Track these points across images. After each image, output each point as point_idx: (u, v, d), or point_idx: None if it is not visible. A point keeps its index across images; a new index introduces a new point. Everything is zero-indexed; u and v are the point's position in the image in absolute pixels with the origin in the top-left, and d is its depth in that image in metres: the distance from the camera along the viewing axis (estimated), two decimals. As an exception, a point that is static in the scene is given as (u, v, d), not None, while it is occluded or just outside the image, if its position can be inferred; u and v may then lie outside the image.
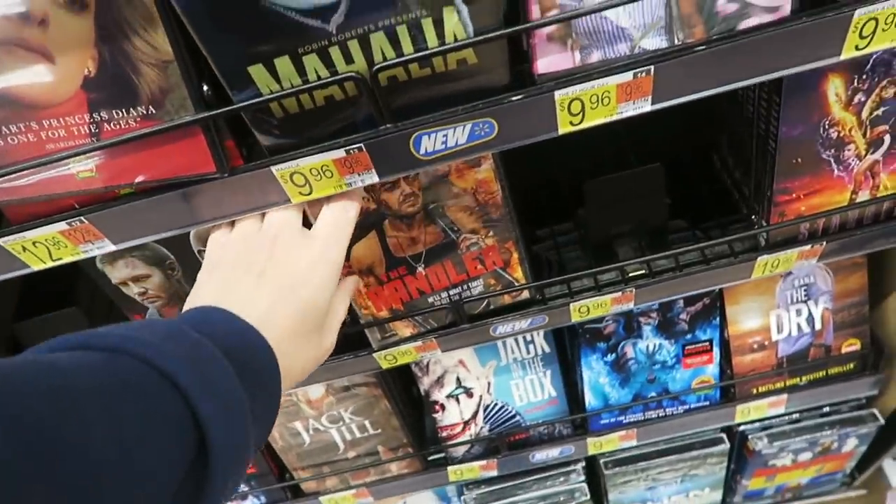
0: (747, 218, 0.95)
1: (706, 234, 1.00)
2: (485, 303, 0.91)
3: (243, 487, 1.23)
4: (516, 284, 0.89)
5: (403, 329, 0.91)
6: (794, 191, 0.85)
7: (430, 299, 0.89)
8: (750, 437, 1.25)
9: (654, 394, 1.18)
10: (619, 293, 0.93)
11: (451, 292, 0.88)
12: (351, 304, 0.91)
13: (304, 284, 0.61)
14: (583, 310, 0.94)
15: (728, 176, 0.99)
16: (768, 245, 0.91)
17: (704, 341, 1.14)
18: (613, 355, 1.14)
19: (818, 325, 1.13)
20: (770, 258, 0.91)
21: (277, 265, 0.61)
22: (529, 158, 0.87)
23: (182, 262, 0.83)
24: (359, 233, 0.77)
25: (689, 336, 1.13)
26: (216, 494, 0.45)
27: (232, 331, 0.53)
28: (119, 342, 0.44)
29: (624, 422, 1.21)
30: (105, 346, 0.44)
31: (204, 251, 0.81)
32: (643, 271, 0.95)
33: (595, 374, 1.15)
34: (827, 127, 0.79)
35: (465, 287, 0.88)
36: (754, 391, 1.18)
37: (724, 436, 1.27)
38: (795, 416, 1.26)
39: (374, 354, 0.95)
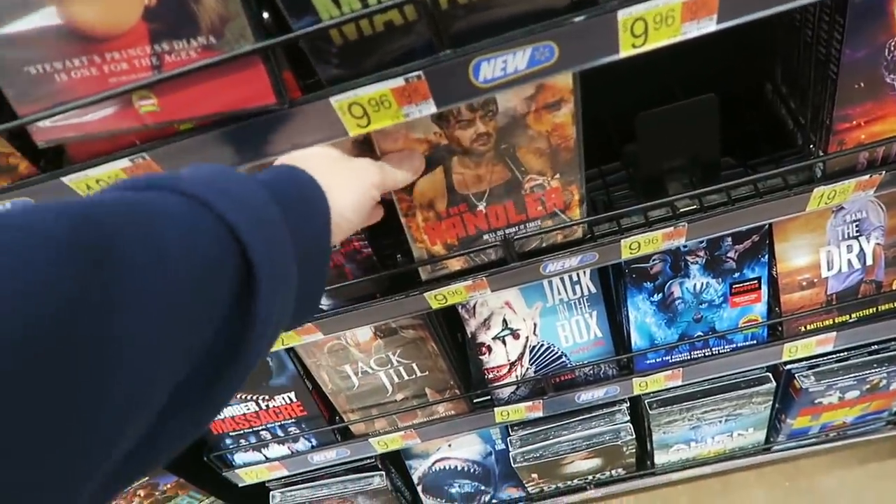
0: (802, 150, 0.93)
1: (757, 171, 0.98)
2: (536, 242, 0.91)
3: (293, 430, 1.26)
4: (571, 223, 0.89)
5: (454, 263, 0.93)
6: (855, 118, 0.83)
7: (486, 237, 0.89)
8: (796, 375, 1.25)
9: (700, 333, 1.17)
10: (671, 228, 0.92)
11: (508, 231, 0.89)
12: (405, 241, 0.92)
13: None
14: (633, 246, 0.94)
15: (783, 106, 0.97)
16: (825, 176, 0.89)
17: (752, 279, 1.13)
18: (660, 295, 1.13)
19: (869, 261, 1.11)
20: (826, 189, 0.89)
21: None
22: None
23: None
24: (426, 166, 0.79)
25: (736, 274, 1.12)
26: (261, 327, 0.43)
27: (280, 170, 0.56)
28: (177, 184, 0.44)
29: (670, 361, 1.21)
30: (173, 189, 0.43)
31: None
32: (694, 206, 0.94)
33: (641, 314, 1.14)
34: (893, 49, 0.76)
35: (521, 227, 0.89)
36: (802, 329, 1.17)
37: (769, 375, 1.27)
38: (843, 354, 1.25)
39: (425, 294, 0.96)
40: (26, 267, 0.30)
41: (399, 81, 0.62)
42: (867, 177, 0.88)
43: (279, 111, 0.63)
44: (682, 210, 0.94)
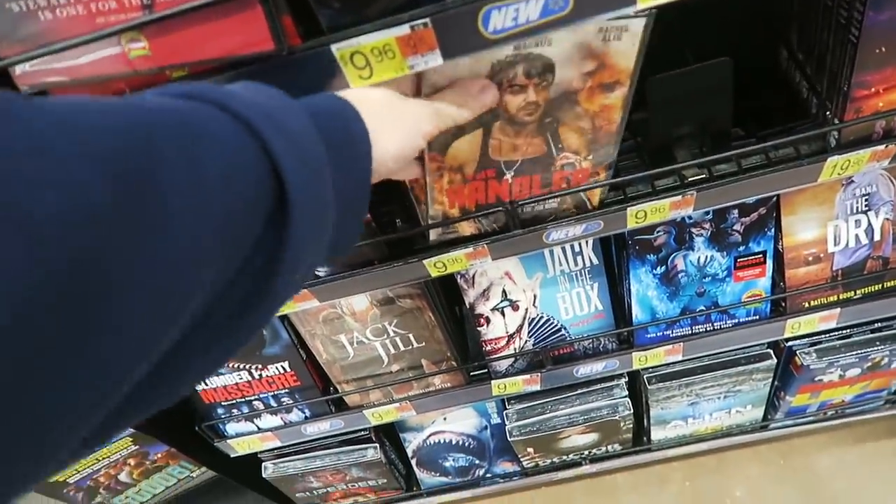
0: (816, 118, 0.90)
1: (768, 141, 0.96)
2: (540, 210, 0.88)
3: (287, 400, 1.23)
4: (588, 206, 0.89)
5: (465, 227, 0.90)
6: (874, 84, 0.80)
7: (505, 206, 0.87)
8: (798, 352, 1.23)
9: (702, 307, 1.15)
10: (679, 197, 0.89)
11: (526, 206, 0.87)
12: (406, 207, 0.89)
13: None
14: (640, 215, 0.91)
15: (798, 73, 0.94)
16: (839, 146, 0.87)
17: (758, 253, 1.10)
18: (663, 268, 1.11)
19: (877, 237, 1.09)
20: (840, 159, 0.87)
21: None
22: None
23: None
24: (468, 126, 0.75)
25: (741, 248, 1.10)
26: (295, 251, 0.42)
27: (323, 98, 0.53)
28: (214, 96, 0.41)
29: (670, 336, 1.19)
30: (203, 98, 0.41)
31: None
32: (703, 176, 0.91)
33: (643, 286, 1.12)
34: (917, 11, 0.73)
35: (540, 202, 0.88)
36: (806, 305, 1.15)
37: (770, 351, 1.25)
38: (845, 331, 1.23)
39: (424, 261, 0.93)
40: (70, 176, 0.29)
41: (404, 29, 0.59)
42: (883, 147, 0.85)
43: (277, 58, 0.59)
44: (690, 179, 0.91)
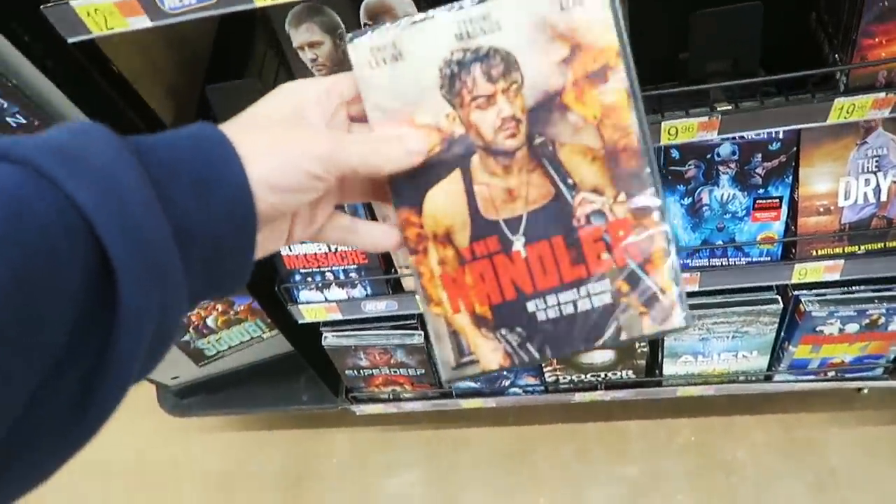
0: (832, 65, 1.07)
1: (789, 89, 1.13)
2: (611, 333, 0.54)
3: (354, 276, 1.46)
4: (660, 296, 0.53)
5: (488, 351, 0.57)
6: (878, 35, 0.97)
7: (532, 305, 0.55)
8: (803, 300, 1.38)
9: (720, 242, 1.32)
10: (706, 118, 1.08)
11: (563, 297, 0.54)
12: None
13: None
14: (672, 131, 1.10)
15: (822, 33, 1.11)
16: (847, 90, 1.04)
17: (775, 197, 1.27)
18: (690, 199, 1.29)
19: (884, 197, 1.25)
20: (846, 101, 1.03)
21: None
22: None
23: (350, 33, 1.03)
24: (438, 171, 0.55)
25: (761, 190, 1.27)
26: (134, 324, 0.35)
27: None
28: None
29: (689, 265, 1.36)
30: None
31: (369, 24, 1.01)
32: (730, 108, 1.09)
33: (670, 214, 1.30)
34: (915, -28, 0.91)
35: (580, 291, 0.54)
36: (813, 253, 1.31)
37: (778, 297, 1.41)
38: (847, 287, 1.38)
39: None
40: None
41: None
42: (884, 94, 1.02)
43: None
44: (718, 108, 1.10)
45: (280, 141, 0.45)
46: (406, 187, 0.55)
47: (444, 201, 0.55)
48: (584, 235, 0.54)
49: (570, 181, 0.54)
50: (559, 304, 0.54)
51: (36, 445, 0.34)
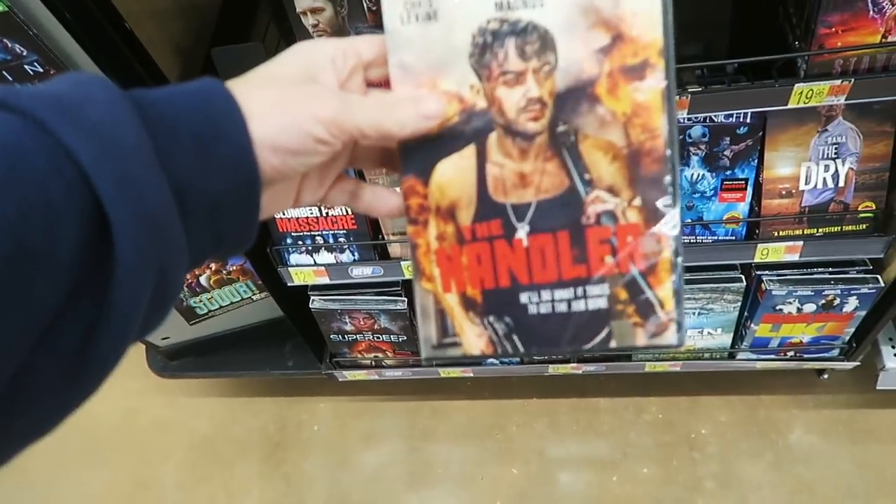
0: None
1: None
2: (601, 339, 0.53)
3: (342, 240, 1.53)
4: (658, 310, 0.51)
5: (473, 336, 0.56)
6: (834, 25, 1.06)
7: (524, 297, 0.54)
8: (764, 279, 1.47)
9: (689, 220, 1.41)
10: (677, 98, 1.16)
11: (558, 294, 0.53)
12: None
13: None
14: (645, 108, 1.18)
15: (787, 24, 1.20)
16: (806, 76, 1.13)
17: (741, 179, 1.36)
18: (662, 178, 1.37)
19: (841, 183, 1.34)
20: (805, 87, 1.12)
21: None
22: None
23: (350, 1, 1.11)
24: (452, 143, 0.53)
25: (728, 172, 1.36)
26: (130, 281, 0.35)
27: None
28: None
29: (660, 241, 1.44)
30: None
31: (370, -6, 1.09)
32: (700, 88, 1.18)
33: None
34: (867, -33, 1.00)
35: (578, 291, 0.52)
36: (775, 234, 1.40)
37: (742, 276, 1.50)
38: (806, 270, 1.47)
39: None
40: None
41: None
42: (839, 81, 1.11)
43: None
44: (689, 89, 1.18)
45: (285, 100, 0.43)
46: (416, 154, 0.53)
47: (454, 175, 0.54)
48: (590, 234, 0.52)
49: (586, 176, 0.52)
50: (553, 300, 0.53)
51: (36, 401, 0.35)
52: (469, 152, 0.53)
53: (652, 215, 0.50)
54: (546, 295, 0.52)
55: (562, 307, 0.52)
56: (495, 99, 0.51)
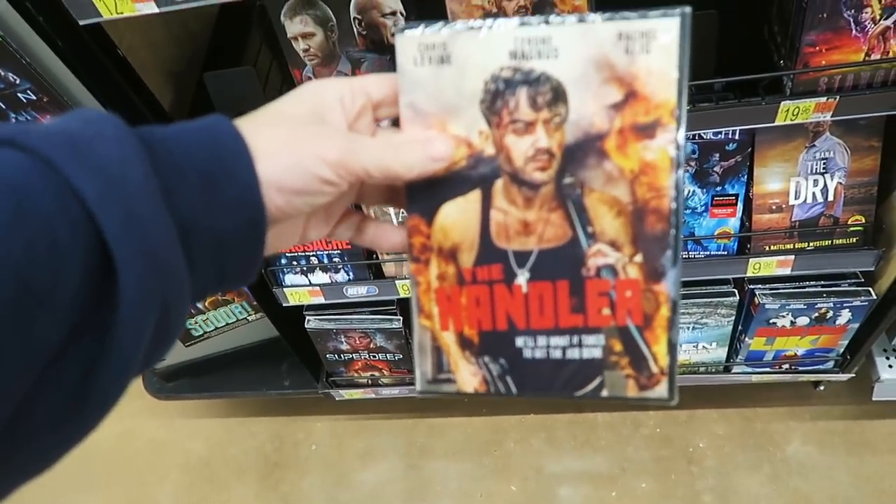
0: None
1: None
2: (593, 387, 0.54)
3: (337, 260, 1.53)
4: (651, 364, 0.52)
5: (467, 374, 0.56)
6: (818, 44, 1.07)
7: (520, 341, 0.55)
8: (757, 293, 1.48)
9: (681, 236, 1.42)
10: (665, 116, 1.17)
11: (553, 341, 0.54)
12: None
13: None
14: (634, 127, 1.19)
15: (772, 43, 1.22)
16: (792, 94, 1.14)
17: (731, 195, 1.37)
18: (653, 195, 1.38)
19: (831, 197, 1.35)
20: (791, 104, 1.14)
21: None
22: None
23: (340, 27, 1.12)
24: (458, 186, 0.54)
25: (719, 188, 1.37)
26: (133, 315, 0.35)
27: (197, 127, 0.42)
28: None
29: (652, 257, 1.45)
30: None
31: (359, 19, 1.10)
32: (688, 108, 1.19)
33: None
34: (850, -13, 1.01)
35: (574, 339, 0.54)
36: (767, 248, 1.41)
37: (735, 290, 1.51)
38: (799, 283, 1.48)
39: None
40: None
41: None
42: (824, 99, 1.12)
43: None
44: (677, 108, 1.19)
45: (292, 140, 0.43)
46: (422, 195, 0.53)
47: (458, 218, 0.54)
48: (590, 286, 0.53)
49: (589, 229, 0.53)
50: (549, 346, 0.54)
51: (36, 436, 0.35)
52: (474, 197, 0.53)
53: (652, 272, 0.51)
54: (542, 341, 0.54)
55: (556, 353, 0.53)
56: (504, 146, 0.52)
